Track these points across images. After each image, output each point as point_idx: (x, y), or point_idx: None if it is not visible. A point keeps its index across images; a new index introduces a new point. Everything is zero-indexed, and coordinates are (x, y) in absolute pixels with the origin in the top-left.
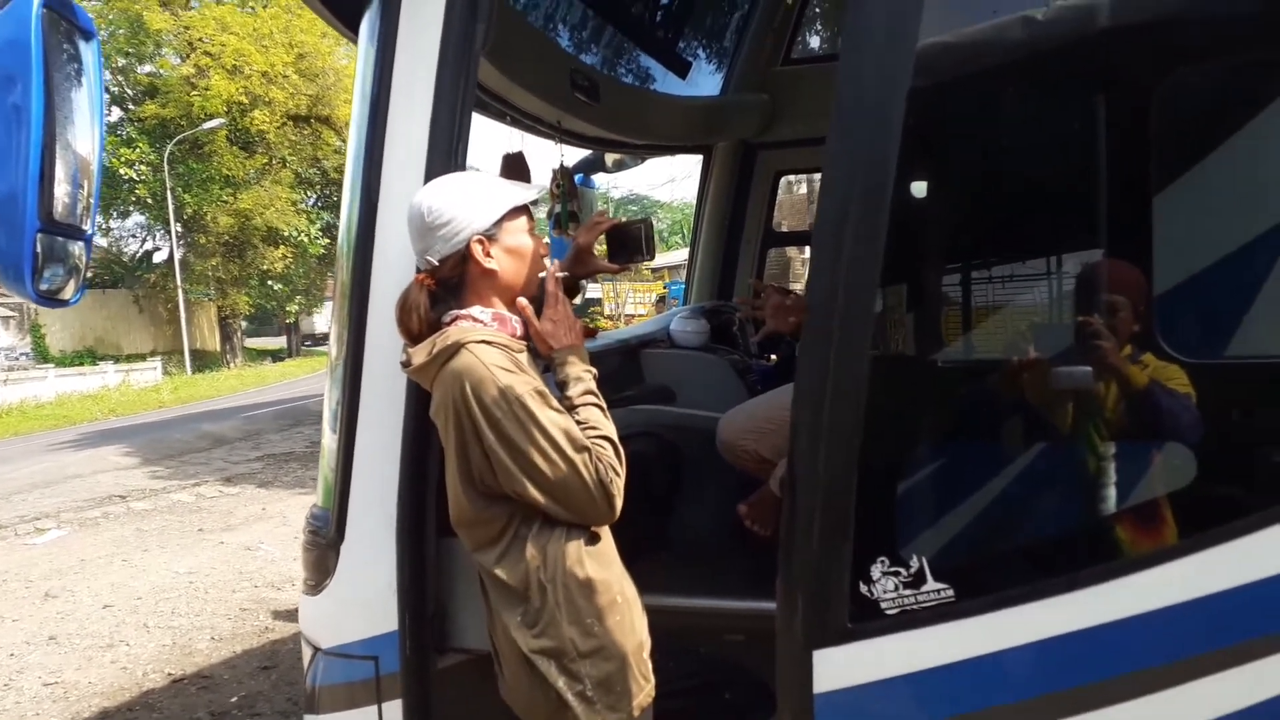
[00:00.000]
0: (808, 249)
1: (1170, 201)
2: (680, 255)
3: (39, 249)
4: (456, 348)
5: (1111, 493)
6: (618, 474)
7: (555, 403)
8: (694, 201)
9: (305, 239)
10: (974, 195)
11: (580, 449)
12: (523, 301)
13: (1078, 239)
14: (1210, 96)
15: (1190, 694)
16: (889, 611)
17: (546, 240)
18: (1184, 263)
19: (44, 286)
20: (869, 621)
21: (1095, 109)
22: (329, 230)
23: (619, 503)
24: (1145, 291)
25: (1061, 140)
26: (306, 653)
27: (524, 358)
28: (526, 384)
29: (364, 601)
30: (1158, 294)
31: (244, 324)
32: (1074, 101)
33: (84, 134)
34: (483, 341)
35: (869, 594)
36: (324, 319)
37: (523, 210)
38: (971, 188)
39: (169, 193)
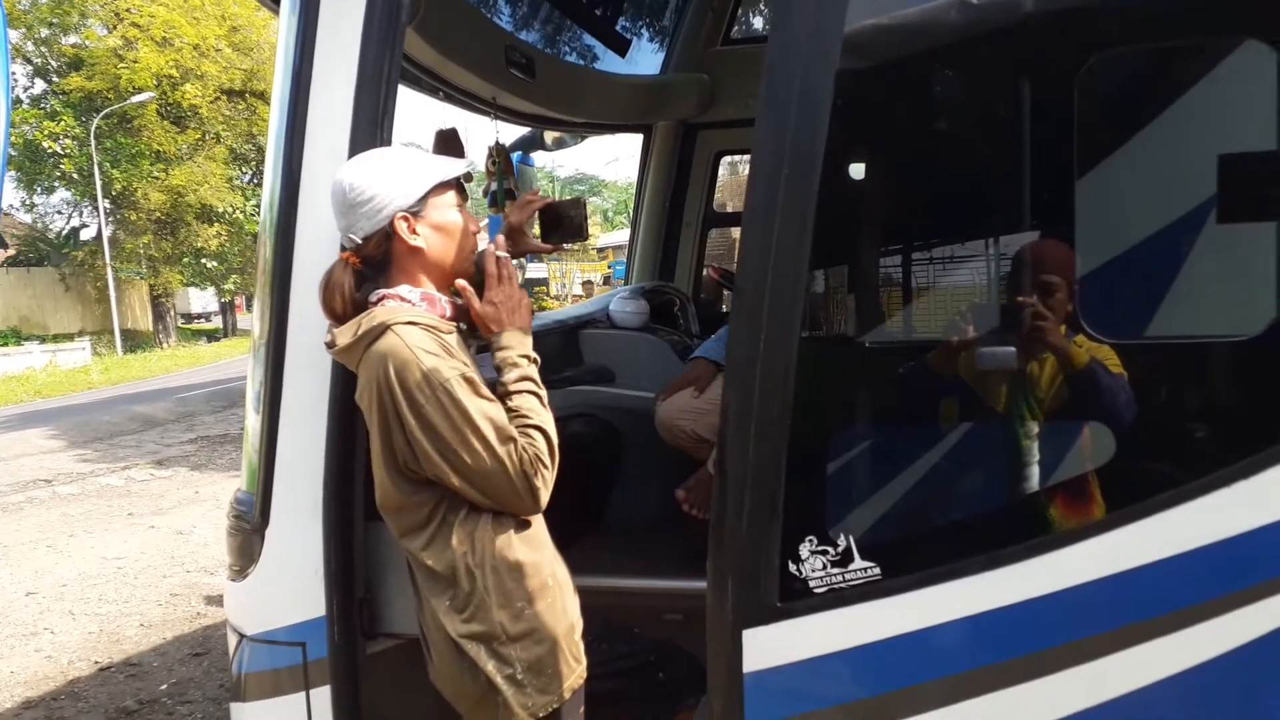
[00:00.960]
0: (739, 233)
1: (1091, 185)
2: (625, 235)
3: None
4: (382, 329)
5: (1036, 471)
6: (545, 467)
7: (484, 389)
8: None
9: (241, 216)
10: (902, 178)
11: (506, 439)
12: (463, 283)
13: (1002, 222)
14: (1129, 81)
15: (1115, 666)
16: (817, 590)
17: (485, 221)
18: (1104, 246)
19: None
20: (798, 600)
21: (1019, 92)
22: None
23: (544, 496)
24: (1072, 272)
25: (987, 123)
26: (232, 640)
27: (453, 339)
28: (453, 369)
29: (290, 587)
30: (1081, 276)
31: (177, 303)
32: (998, 84)
33: None
34: (409, 323)
35: (798, 573)
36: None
37: (451, 185)
38: (899, 170)
39: (96, 168)
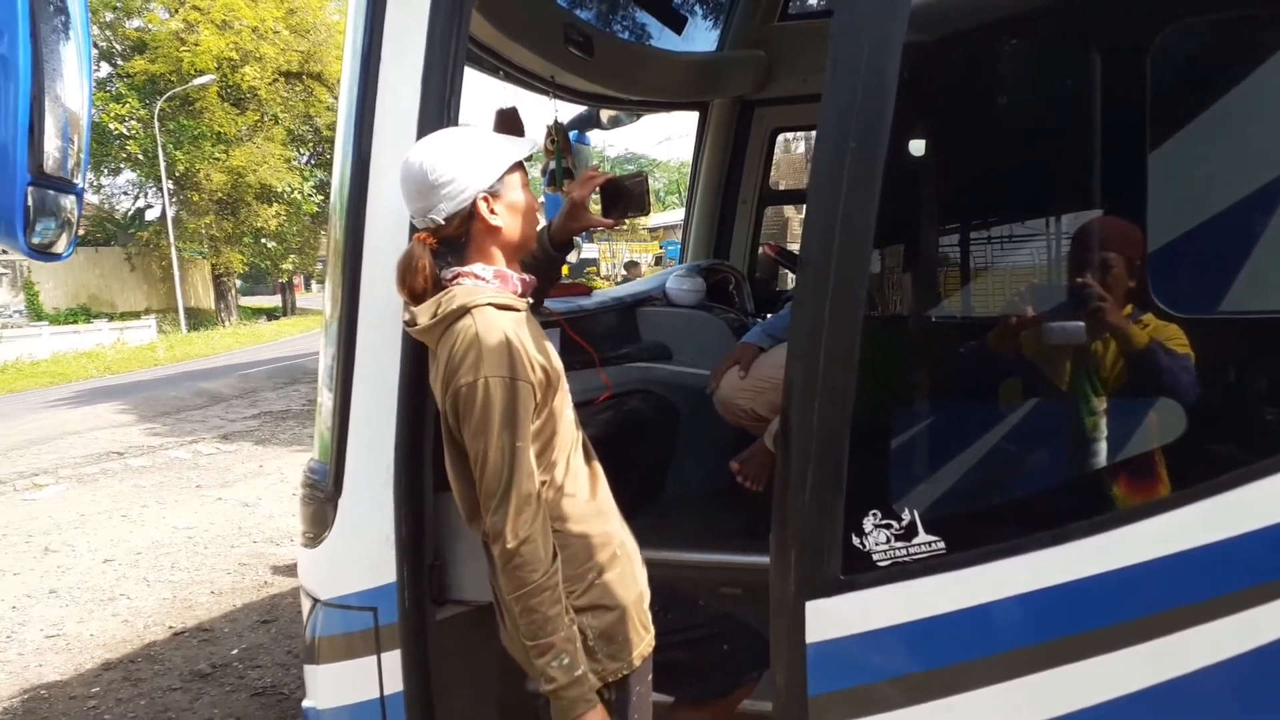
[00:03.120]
0: (805, 208)
1: (1165, 158)
2: (676, 215)
3: (30, 202)
4: (462, 311)
5: (1101, 448)
6: (504, 537)
7: (526, 423)
8: (690, 160)
9: (299, 196)
10: (968, 152)
11: (515, 474)
12: None
13: (1072, 197)
14: (1203, 52)
15: (1178, 644)
16: (881, 563)
17: (541, 199)
18: (1179, 219)
19: (36, 240)
20: (861, 573)
21: (1089, 65)
22: (323, 188)
23: (486, 525)
24: (1141, 249)
25: (1056, 96)
26: (305, 604)
27: (523, 316)
28: (524, 372)
29: (362, 554)
30: (1152, 250)
31: (238, 282)
32: (1068, 57)
33: (73, 87)
34: (488, 304)
35: (861, 546)
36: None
37: (519, 165)
38: (965, 145)
39: (160, 149)
